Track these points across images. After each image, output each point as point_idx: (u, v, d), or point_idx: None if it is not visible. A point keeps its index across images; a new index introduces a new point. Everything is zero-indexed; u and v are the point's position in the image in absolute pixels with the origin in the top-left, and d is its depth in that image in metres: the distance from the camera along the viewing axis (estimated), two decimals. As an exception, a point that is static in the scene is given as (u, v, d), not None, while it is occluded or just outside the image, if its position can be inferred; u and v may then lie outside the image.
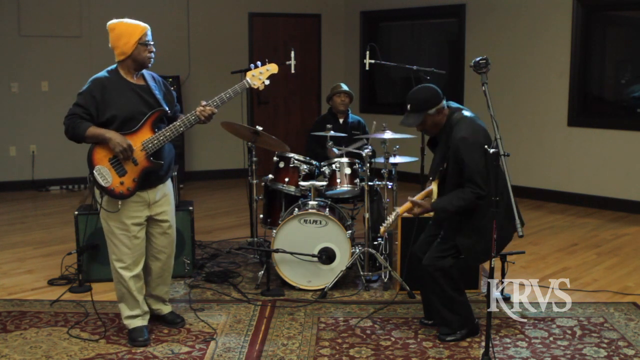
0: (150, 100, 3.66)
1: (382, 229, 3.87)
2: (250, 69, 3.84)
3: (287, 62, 5.14)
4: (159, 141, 3.61)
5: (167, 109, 3.71)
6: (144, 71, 3.72)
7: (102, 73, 3.64)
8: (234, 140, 5.93)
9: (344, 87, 5.57)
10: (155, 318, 3.99)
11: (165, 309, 4.01)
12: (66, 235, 5.92)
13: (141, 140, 3.59)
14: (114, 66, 3.67)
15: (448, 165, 3.64)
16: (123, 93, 3.59)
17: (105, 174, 3.54)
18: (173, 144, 3.82)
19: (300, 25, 9.32)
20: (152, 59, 3.66)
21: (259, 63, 3.84)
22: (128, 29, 3.58)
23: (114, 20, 3.63)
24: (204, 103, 3.67)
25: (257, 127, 4.79)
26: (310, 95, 9.52)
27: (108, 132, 3.52)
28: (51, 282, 4.79)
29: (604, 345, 3.72)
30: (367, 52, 5.32)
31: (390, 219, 3.81)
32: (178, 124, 3.64)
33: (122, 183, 3.56)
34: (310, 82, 9.46)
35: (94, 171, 3.54)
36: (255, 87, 3.79)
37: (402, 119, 3.74)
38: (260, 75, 3.80)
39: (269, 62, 3.84)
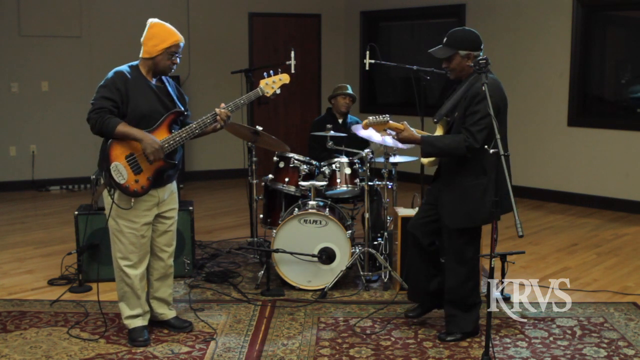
0: (167, 101, 3.69)
1: (368, 120, 3.76)
2: (262, 72, 3.91)
3: (287, 62, 5.16)
4: (175, 141, 3.62)
5: (183, 110, 3.74)
6: None
7: (124, 67, 3.63)
8: (234, 140, 5.92)
9: (350, 90, 5.54)
10: (159, 324, 3.92)
11: (170, 313, 3.94)
12: (66, 235, 5.92)
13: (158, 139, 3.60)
14: (135, 62, 3.68)
15: (458, 114, 3.64)
16: (142, 90, 3.60)
17: (121, 171, 3.52)
18: None
19: (300, 25, 9.31)
20: (172, 70, 3.69)
21: (272, 72, 3.91)
22: (162, 33, 3.59)
23: (156, 20, 3.63)
24: (223, 105, 3.73)
25: (257, 127, 4.79)
26: (310, 95, 9.51)
27: (139, 132, 3.51)
28: (51, 282, 4.79)
29: (604, 345, 3.72)
30: (367, 52, 5.31)
31: (380, 117, 3.73)
32: (194, 126, 3.66)
33: (137, 181, 3.56)
34: (310, 82, 9.46)
35: (111, 167, 3.52)
36: (268, 95, 3.88)
37: (433, 49, 3.74)
38: (273, 84, 3.88)
39: (282, 72, 3.93)
